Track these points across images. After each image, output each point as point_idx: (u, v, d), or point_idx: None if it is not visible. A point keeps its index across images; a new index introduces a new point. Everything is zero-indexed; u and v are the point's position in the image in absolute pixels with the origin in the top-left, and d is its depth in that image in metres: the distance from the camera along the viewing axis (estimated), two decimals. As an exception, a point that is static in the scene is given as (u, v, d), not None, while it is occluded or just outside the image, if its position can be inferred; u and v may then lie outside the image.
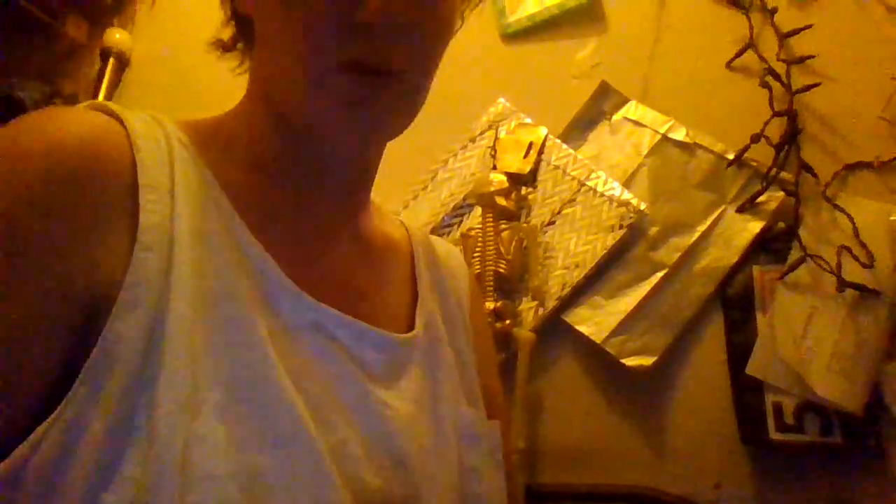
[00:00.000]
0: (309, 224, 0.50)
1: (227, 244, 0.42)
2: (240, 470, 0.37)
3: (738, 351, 0.88)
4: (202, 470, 0.35)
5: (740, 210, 0.93)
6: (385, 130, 0.46)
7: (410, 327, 0.53)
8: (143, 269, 0.38)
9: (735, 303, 0.90)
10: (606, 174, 1.02)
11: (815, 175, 0.86)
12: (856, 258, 0.80)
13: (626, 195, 1.00)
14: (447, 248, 0.65)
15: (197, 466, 0.35)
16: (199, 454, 0.35)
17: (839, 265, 0.80)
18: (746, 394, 0.86)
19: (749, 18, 0.95)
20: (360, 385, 0.46)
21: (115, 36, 1.36)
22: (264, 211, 0.46)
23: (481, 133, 1.15)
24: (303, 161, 0.49)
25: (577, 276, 1.00)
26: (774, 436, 0.82)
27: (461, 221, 1.12)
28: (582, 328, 0.97)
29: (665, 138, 1.01)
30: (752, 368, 0.85)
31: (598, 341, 0.95)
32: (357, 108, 0.43)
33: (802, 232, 0.86)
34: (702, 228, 0.95)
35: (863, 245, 0.81)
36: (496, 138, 1.13)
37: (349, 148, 0.49)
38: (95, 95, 1.32)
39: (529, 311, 1.01)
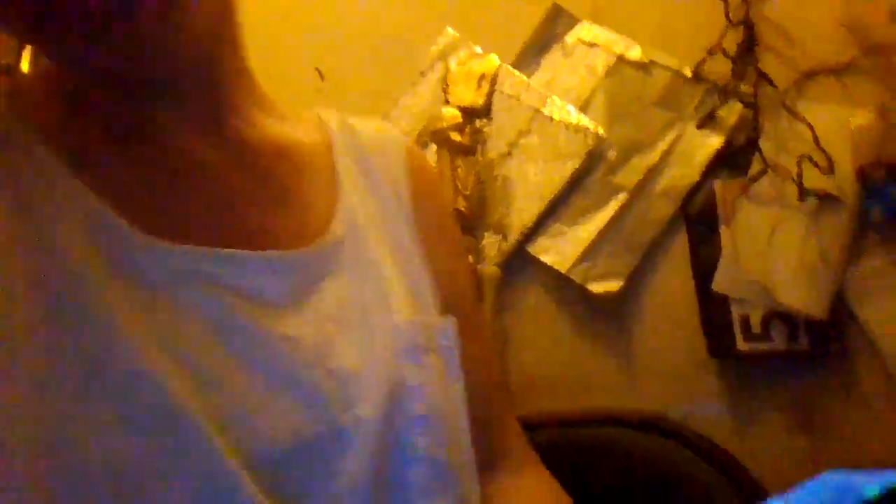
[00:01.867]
0: (156, 156, 0.42)
1: (51, 206, 0.37)
2: (104, 461, 0.33)
3: (704, 267, 0.87)
4: (61, 461, 0.32)
5: (700, 126, 0.91)
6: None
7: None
8: None
9: (698, 220, 0.90)
10: (562, 100, 0.99)
11: (773, 85, 0.85)
12: (816, 165, 0.80)
13: (583, 120, 0.97)
14: (374, 128, 0.56)
15: (57, 458, 0.32)
16: (52, 442, 0.33)
17: (800, 174, 0.79)
18: (713, 308, 0.86)
19: (699, -74, 0.92)
20: (251, 326, 0.39)
21: None
22: (97, 154, 0.40)
23: (431, 66, 1.11)
24: (107, 82, 0.41)
25: (538, 206, 0.97)
26: (742, 346, 0.83)
27: (416, 160, 1.08)
28: (546, 258, 0.95)
29: (620, 59, 0.98)
30: (718, 284, 0.84)
31: (563, 270, 0.93)
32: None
33: (763, 143, 0.85)
34: (662, 148, 0.93)
35: (823, 152, 0.80)
36: (447, 71, 1.09)
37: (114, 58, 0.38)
38: None
39: (492, 247, 0.99)
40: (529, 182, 0.99)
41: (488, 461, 0.52)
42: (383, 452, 0.41)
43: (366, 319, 0.44)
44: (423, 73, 1.10)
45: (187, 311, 0.38)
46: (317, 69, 1.07)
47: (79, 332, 0.34)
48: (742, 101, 0.87)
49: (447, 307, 0.51)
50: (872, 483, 0.58)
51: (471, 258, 0.99)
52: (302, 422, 0.39)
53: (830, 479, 0.66)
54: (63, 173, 0.37)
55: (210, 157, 0.44)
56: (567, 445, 0.90)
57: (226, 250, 0.40)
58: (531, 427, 0.91)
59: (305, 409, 0.39)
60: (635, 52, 0.97)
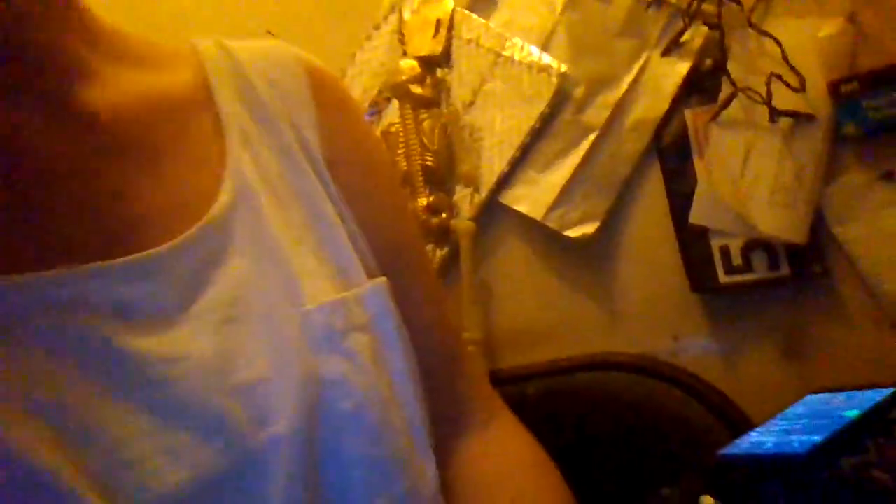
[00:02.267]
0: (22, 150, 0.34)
1: None
2: None
3: (680, 201, 0.85)
4: None
5: (665, 53, 0.87)
6: None
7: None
8: None
9: (671, 152, 0.86)
10: (522, 40, 0.95)
11: (737, 2, 0.81)
12: (787, 84, 0.76)
13: (546, 59, 0.93)
14: (260, 51, 0.45)
15: None
16: None
17: (769, 94, 0.76)
18: (692, 243, 0.84)
19: None
20: (126, 354, 0.33)
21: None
22: None
23: (385, 18, 1.06)
24: None
25: (508, 154, 0.94)
26: (724, 279, 0.81)
27: (380, 119, 1.04)
28: (520, 207, 0.93)
29: (578, -11, 0.93)
30: (695, 216, 0.82)
31: (538, 218, 0.91)
32: None
33: (731, 66, 0.81)
34: (628, 80, 0.89)
35: (793, 69, 0.76)
36: (401, 21, 1.04)
37: None
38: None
39: (465, 200, 0.97)
40: (497, 130, 0.96)
41: (453, 419, 0.48)
42: (311, 468, 0.35)
43: (270, 313, 0.37)
44: (377, 27, 1.06)
45: (41, 353, 0.31)
46: (268, 32, 1.02)
47: None
48: (706, 23, 0.82)
49: (382, 265, 0.44)
50: (853, 405, 0.56)
51: (444, 214, 0.96)
52: (203, 458, 0.33)
53: (812, 403, 0.65)
54: None
55: (58, 150, 0.35)
56: (557, 394, 0.90)
57: (81, 267, 0.32)
58: (520, 379, 0.91)
59: (206, 442, 0.33)
60: (593, -19, 0.92)
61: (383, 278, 0.43)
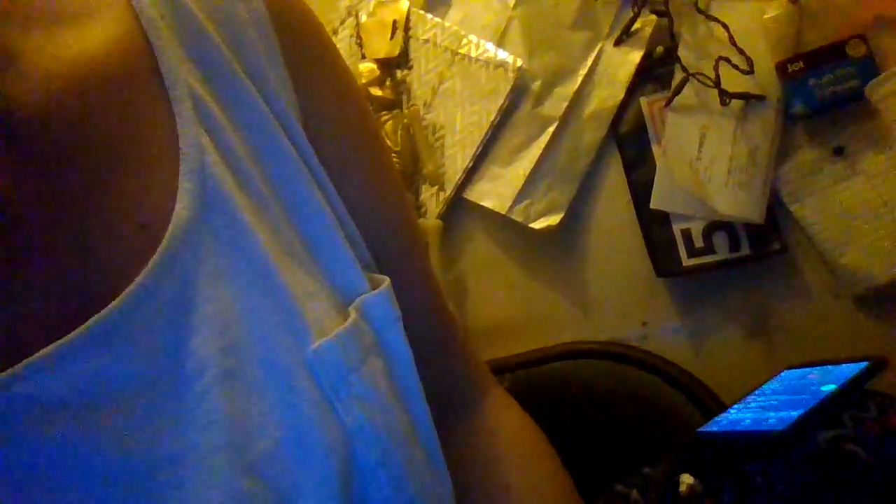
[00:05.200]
0: None
1: None
2: None
3: (640, 188, 0.86)
4: None
5: (617, 43, 0.88)
6: None
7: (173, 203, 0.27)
8: None
9: (629, 140, 0.87)
10: (478, 37, 0.96)
11: (684, -12, 0.82)
12: (735, 67, 0.77)
13: (502, 55, 0.94)
14: None
15: None
16: None
17: (717, 78, 0.77)
18: (655, 228, 0.85)
19: None
20: (109, 466, 0.25)
21: None
22: None
23: (342, 22, 1.06)
24: None
25: (469, 151, 0.95)
26: (687, 263, 0.82)
27: (343, 122, 1.04)
28: (485, 203, 0.93)
29: (530, -16, 0.94)
30: (656, 202, 0.83)
31: (502, 212, 0.92)
32: None
33: (682, 52, 0.82)
34: (583, 72, 0.90)
35: (741, 51, 0.78)
36: (358, 24, 1.04)
37: None
38: None
39: (431, 199, 0.97)
40: (458, 127, 0.97)
41: (447, 398, 0.44)
42: None
43: (272, 357, 0.29)
44: (334, 31, 1.06)
45: (6, 486, 0.23)
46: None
47: None
48: (655, 11, 0.83)
49: (377, 254, 0.37)
50: (828, 380, 0.57)
51: (411, 214, 0.97)
52: None
53: (787, 378, 0.65)
54: None
55: None
56: (532, 386, 0.90)
57: (25, 362, 0.24)
58: (494, 373, 0.91)
59: None
60: (543, -25, 0.93)
61: (387, 281, 0.35)
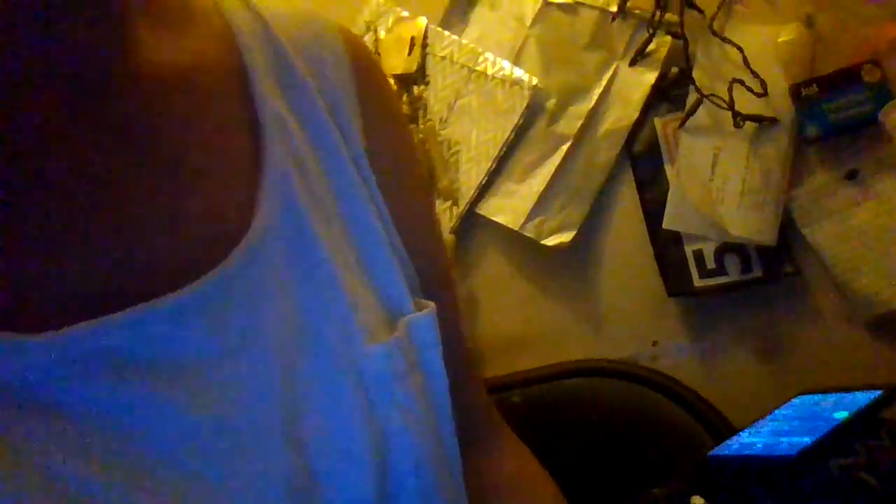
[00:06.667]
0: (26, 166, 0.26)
1: None
2: None
3: (653, 207, 0.86)
4: None
5: (632, 63, 0.89)
6: None
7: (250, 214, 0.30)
8: None
9: (643, 159, 0.88)
10: (494, 55, 0.97)
11: (699, 10, 0.82)
12: (749, 89, 0.77)
13: (518, 73, 0.95)
14: (299, 21, 0.37)
15: None
16: None
17: (731, 100, 0.77)
18: (667, 248, 0.85)
19: None
20: (167, 421, 0.27)
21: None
22: None
23: (361, 36, 1.08)
24: None
25: (484, 167, 0.96)
26: (699, 283, 0.82)
27: (360, 136, 1.06)
28: (498, 218, 0.94)
29: (547, 3, 0.95)
30: (668, 221, 0.83)
31: (515, 228, 0.92)
32: None
33: (696, 73, 0.82)
34: (598, 91, 0.91)
35: (754, 74, 0.78)
36: (376, 40, 1.06)
37: None
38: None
39: (444, 213, 0.98)
40: (473, 143, 0.98)
41: (465, 434, 0.44)
42: None
43: (326, 355, 0.31)
44: (353, 46, 1.08)
45: (65, 416, 0.25)
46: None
47: None
48: (670, 33, 0.84)
49: (420, 282, 0.39)
50: (841, 408, 0.57)
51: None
52: None
53: (800, 405, 0.65)
54: None
55: (82, 143, 0.27)
56: (541, 402, 0.91)
57: (109, 317, 0.26)
58: (503, 388, 0.92)
59: None
60: (560, -6, 0.94)
61: (432, 305, 0.37)
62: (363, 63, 0.39)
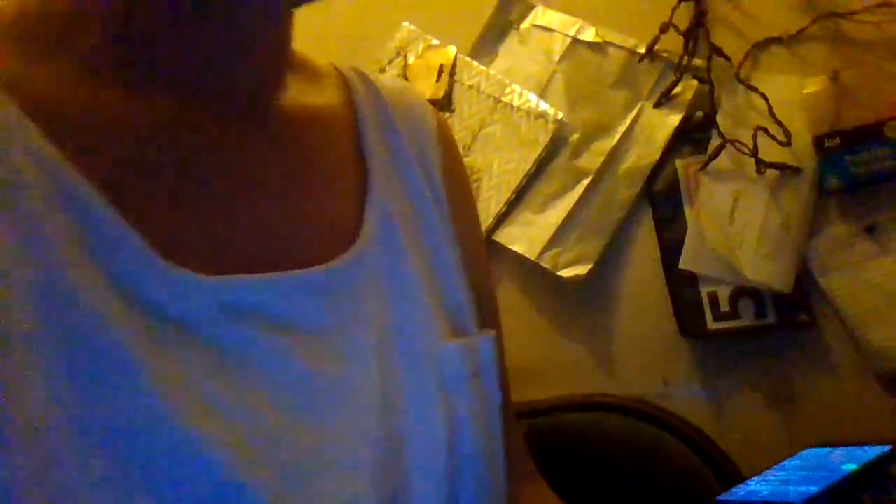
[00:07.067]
0: (199, 149, 0.33)
1: (50, 216, 0.27)
2: None
3: (670, 247, 0.87)
4: None
5: (657, 105, 0.90)
6: None
7: (357, 232, 0.38)
8: None
9: (662, 199, 0.89)
10: (521, 87, 0.98)
11: (726, 57, 0.84)
12: (773, 137, 0.79)
13: (543, 106, 0.96)
14: (399, 88, 0.46)
15: None
16: None
17: (755, 147, 0.78)
18: (682, 288, 0.86)
19: None
20: (301, 370, 0.32)
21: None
22: (116, 143, 0.31)
23: (390, 62, 1.10)
24: (194, 47, 0.33)
25: (504, 196, 0.97)
26: (712, 325, 0.83)
27: (383, 157, 1.07)
28: (515, 247, 0.95)
29: (575, 41, 0.97)
30: (685, 262, 0.84)
31: (532, 257, 0.93)
32: None
33: (720, 118, 0.84)
34: (622, 129, 0.92)
35: (778, 123, 0.79)
36: (405, 65, 1.08)
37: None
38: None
39: (462, 239, 0.99)
40: (495, 172, 0.99)
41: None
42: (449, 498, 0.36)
43: (411, 347, 0.37)
44: (382, 70, 1.10)
45: (223, 355, 0.30)
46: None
47: (100, 395, 0.26)
48: (696, 77, 0.86)
49: (482, 317, 0.44)
50: (850, 460, 0.57)
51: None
52: (359, 488, 0.32)
53: (809, 457, 0.65)
54: (66, 167, 0.28)
55: (250, 140, 0.35)
56: (548, 433, 0.90)
57: (256, 276, 0.32)
58: (510, 418, 0.92)
59: (364, 473, 0.33)
60: (590, 34, 0.96)
61: (492, 331, 0.43)
62: (445, 131, 0.47)
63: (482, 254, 0.49)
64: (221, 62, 0.34)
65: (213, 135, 0.34)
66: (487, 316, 0.45)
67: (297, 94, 0.39)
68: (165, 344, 0.29)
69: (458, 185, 0.46)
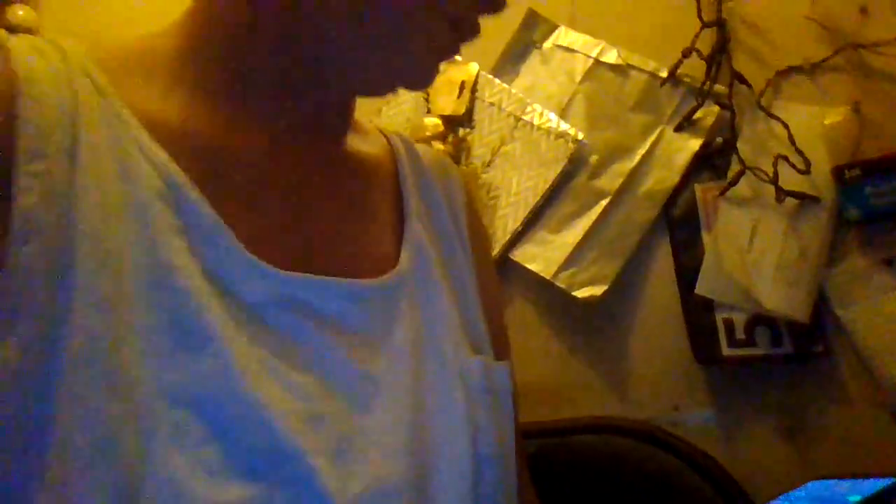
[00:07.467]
0: (281, 170, 0.40)
1: (159, 212, 0.33)
2: None
3: (687, 271, 0.87)
4: None
5: (678, 129, 0.90)
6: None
7: (395, 262, 0.44)
8: (20, 271, 0.29)
9: (680, 223, 0.89)
10: (542, 106, 0.99)
11: (748, 85, 0.84)
12: (793, 166, 0.79)
13: (564, 126, 0.97)
14: (434, 154, 0.55)
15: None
16: (152, 491, 0.29)
17: (776, 175, 0.78)
18: (697, 313, 0.85)
19: (671, -74, 0.91)
20: (346, 359, 0.38)
21: (19, 13, 1.28)
22: (218, 157, 0.37)
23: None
24: (299, 93, 0.40)
25: (521, 214, 0.97)
26: (727, 352, 0.82)
27: (402, 171, 1.08)
28: (531, 265, 0.95)
29: (597, 62, 0.97)
30: (701, 287, 0.84)
31: (548, 277, 0.93)
32: (442, 57, 0.40)
33: (740, 144, 0.84)
34: (641, 151, 0.93)
35: (799, 152, 0.79)
36: (428, 81, 1.09)
37: (377, 88, 0.42)
38: None
39: (478, 256, 1.00)
40: (513, 190, 0.99)
41: None
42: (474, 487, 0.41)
43: (439, 356, 0.43)
44: (404, 85, 1.11)
45: (287, 339, 0.36)
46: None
47: (187, 359, 0.32)
48: (718, 103, 0.86)
49: (495, 351, 0.50)
50: (856, 492, 0.57)
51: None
52: (393, 468, 0.37)
53: (814, 488, 0.65)
54: (175, 172, 0.34)
55: (323, 171, 0.43)
56: (557, 455, 0.90)
57: (319, 277, 0.38)
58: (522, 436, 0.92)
59: (404, 456, 0.38)
60: (612, 56, 0.96)
61: (508, 361, 0.49)
62: (469, 185, 0.57)
63: (499, 298, 0.57)
64: (314, 110, 0.42)
65: (296, 162, 0.41)
66: (501, 351, 0.51)
67: (352, 142, 0.47)
68: (242, 323, 0.34)
69: (480, 241, 0.54)
